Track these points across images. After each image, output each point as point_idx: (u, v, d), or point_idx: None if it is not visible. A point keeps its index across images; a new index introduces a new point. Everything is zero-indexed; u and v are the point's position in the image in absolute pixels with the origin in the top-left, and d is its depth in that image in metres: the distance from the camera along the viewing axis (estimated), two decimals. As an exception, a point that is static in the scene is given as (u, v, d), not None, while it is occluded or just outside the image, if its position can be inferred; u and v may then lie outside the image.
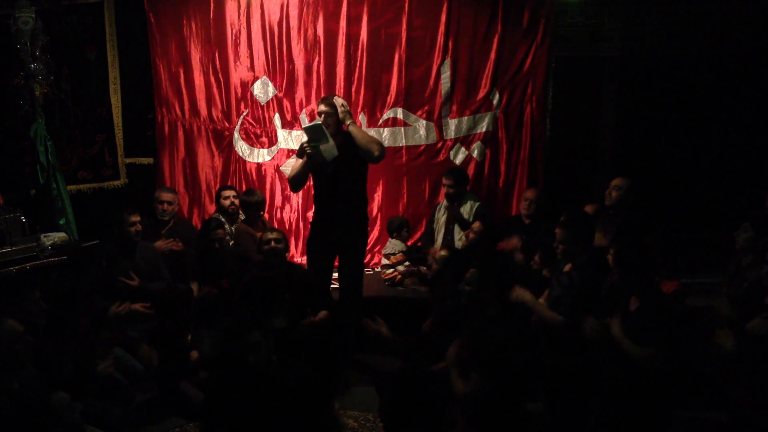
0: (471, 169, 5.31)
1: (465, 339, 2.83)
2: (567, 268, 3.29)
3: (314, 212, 4.29)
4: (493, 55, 5.22)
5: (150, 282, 4.07)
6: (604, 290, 3.27)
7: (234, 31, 5.29)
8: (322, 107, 4.00)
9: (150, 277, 4.10)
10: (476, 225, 4.29)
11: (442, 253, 3.89)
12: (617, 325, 2.91)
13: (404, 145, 5.40)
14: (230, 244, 4.70)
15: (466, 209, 4.80)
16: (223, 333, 3.97)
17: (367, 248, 5.42)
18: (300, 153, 4.03)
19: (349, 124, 3.96)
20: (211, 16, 5.26)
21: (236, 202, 4.88)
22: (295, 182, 4.15)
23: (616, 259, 3.01)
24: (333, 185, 4.06)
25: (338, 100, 4.01)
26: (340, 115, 3.97)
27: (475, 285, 3.38)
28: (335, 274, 4.47)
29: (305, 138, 3.95)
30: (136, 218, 4.07)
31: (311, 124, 3.91)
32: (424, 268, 4.81)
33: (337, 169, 3.97)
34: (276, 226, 5.04)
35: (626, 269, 2.95)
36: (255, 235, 4.57)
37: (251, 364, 3.11)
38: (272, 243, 4.08)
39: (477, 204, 4.82)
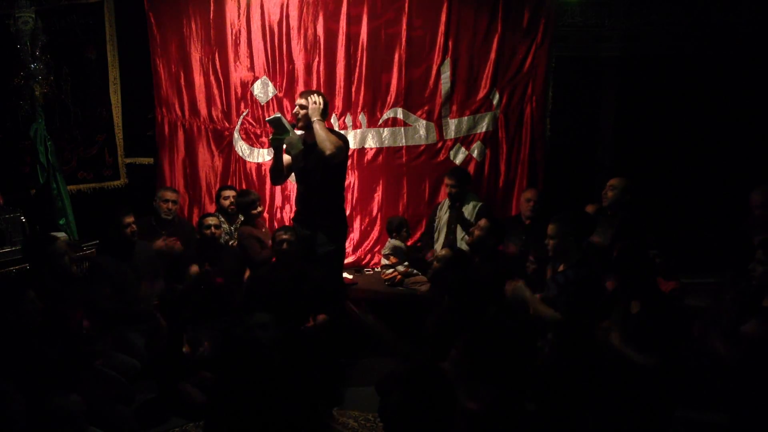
0: (471, 169, 5.29)
1: (466, 349, 2.78)
2: (561, 267, 3.28)
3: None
4: (493, 55, 5.22)
5: (148, 282, 4.06)
6: (604, 292, 3.26)
7: (234, 31, 5.29)
8: (299, 100, 3.92)
9: (148, 277, 4.10)
10: (482, 222, 4.27)
11: (444, 252, 3.88)
12: (618, 327, 2.90)
13: (404, 145, 5.39)
14: (230, 243, 4.70)
15: (469, 209, 4.79)
16: (222, 333, 3.97)
17: (367, 248, 5.44)
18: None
19: (314, 121, 3.80)
20: (211, 16, 5.26)
21: (236, 202, 4.87)
22: (271, 174, 4.12)
23: (616, 262, 3.00)
24: (304, 181, 4.03)
25: (313, 97, 3.86)
26: (309, 111, 3.83)
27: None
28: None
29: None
30: (130, 219, 4.06)
31: (272, 116, 3.83)
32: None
33: (308, 165, 3.92)
34: (276, 226, 5.04)
35: (627, 273, 2.94)
36: (259, 236, 4.55)
37: (254, 362, 3.09)
38: (285, 245, 4.02)
39: (480, 204, 4.82)
